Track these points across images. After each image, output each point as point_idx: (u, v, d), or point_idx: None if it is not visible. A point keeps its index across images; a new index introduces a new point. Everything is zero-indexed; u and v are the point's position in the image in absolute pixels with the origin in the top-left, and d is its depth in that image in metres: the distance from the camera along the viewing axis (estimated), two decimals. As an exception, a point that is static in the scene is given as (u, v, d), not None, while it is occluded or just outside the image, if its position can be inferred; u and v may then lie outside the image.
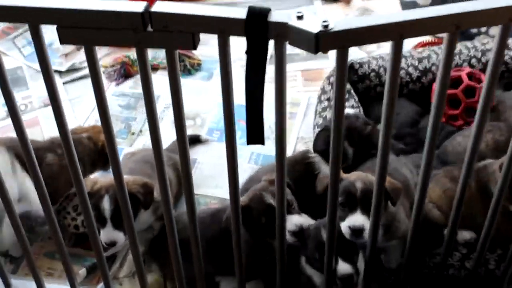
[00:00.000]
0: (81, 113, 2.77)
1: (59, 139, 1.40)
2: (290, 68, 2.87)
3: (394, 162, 1.98)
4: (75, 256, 2.10)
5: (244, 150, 2.50)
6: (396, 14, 1.16)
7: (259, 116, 1.23)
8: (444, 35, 1.22)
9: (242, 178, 1.94)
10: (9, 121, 1.48)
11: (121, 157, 1.69)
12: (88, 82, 1.31)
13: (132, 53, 2.93)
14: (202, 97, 2.84)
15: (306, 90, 2.90)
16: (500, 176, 1.53)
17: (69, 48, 3.12)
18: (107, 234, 1.82)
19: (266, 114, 1.24)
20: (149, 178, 1.92)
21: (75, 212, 2.12)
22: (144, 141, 2.61)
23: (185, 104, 1.32)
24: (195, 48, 1.20)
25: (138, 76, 1.27)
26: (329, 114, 2.33)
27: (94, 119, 2.71)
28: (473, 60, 2.56)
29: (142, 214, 1.90)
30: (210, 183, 2.40)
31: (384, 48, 2.89)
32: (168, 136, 1.92)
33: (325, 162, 2.08)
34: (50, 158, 2.07)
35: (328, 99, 2.41)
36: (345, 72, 1.19)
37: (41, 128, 2.71)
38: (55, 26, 1.20)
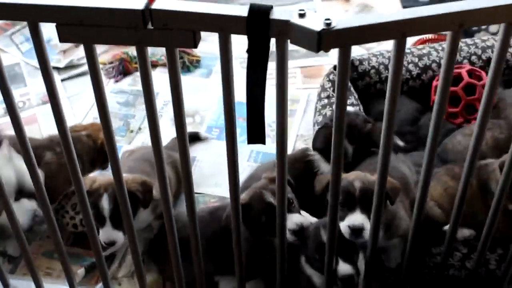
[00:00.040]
0: (79, 110, 2.75)
1: (58, 137, 1.39)
2: (290, 65, 2.80)
3: (393, 160, 1.97)
4: (73, 255, 2.09)
5: (244, 148, 2.48)
6: (399, 12, 1.15)
7: (260, 115, 1.22)
8: (447, 34, 1.21)
9: (242, 177, 1.92)
10: (7, 118, 1.47)
11: (119, 155, 1.68)
12: (86, 79, 1.31)
13: (131, 50, 2.91)
14: (201, 94, 2.83)
15: (305, 87, 2.89)
16: (500, 175, 1.52)
17: (67, 44, 3.09)
18: (106, 233, 1.81)
19: (265, 112, 1.23)
20: (148, 177, 1.91)
21: (73, 211, 2.11)
22: (143, 139, 2.59)
23: (184, 102, 1.31)
24: (195, 46, 1.19)
25: (137, 73, 1.26)
26: (329, 111, 2.32)
27: (92, 117, 2.68)
28: (473, 57, 2.55)
29: (141, 213, 1.89)
30: (210, 182, 2.40)
31: (384, 45, 2.88)
32: (167, 133, 1.91)
33: (325, 160, 2.08)
34: (49, 157, 2.06)
35: (328, 97, 2.40)
36: (347, 71, 1.18)
37: (39, 125, 2.69)
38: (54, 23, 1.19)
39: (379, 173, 1.40)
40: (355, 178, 1.71)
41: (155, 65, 2.93)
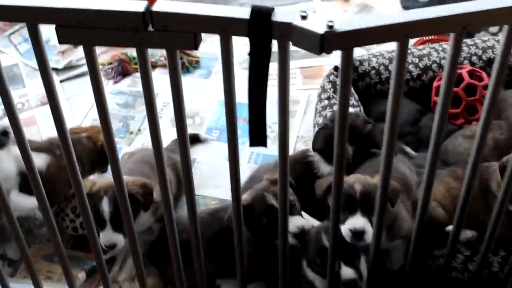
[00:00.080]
0: (78, 111, 2.73)
1: (58, 140, 1.37)
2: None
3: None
4: (74, 259, 2.08)
5: (244, 150, 2.48)
6: (402, 14, 1.14)
7: (261, 118, 1.21)
8: (450, 35, 1.20)
9: (242, 178, 1.91)
10: (5, 120, 1.45)
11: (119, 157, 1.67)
12: (85, 80, 1.29)
13: (130, 51, 2.90)
14: (201, 95, 2.81)
15: (305, 88, 2.89)
16: (501, 176, 1.51)
17: (66, 45, 3.08)
18: (106, 236, 1.80)
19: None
20: (148, 179, 1.90)
21: (73, 214, 2.10)
22: (143, 141, 2.58)
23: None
24: (196, 48, 1.18)
25: (136, 74, 1.25)
26: (329, 112, 2.31)
27: (91, 118, 2.68)
28: (474, 58, 2.55)
29: (141, 216, 1.88)
30: (210, 183, 2.39)
31: (384, 46, 2.87)
32: (167, 135, 1.90)
33: (324, 161, 2.07)
34: (48, 160, 2.05)
35: (328, 98, 2.39)
36: (350, 73, 1.17)
37: (38, 127, 2.68)
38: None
39: (382, 176, 1.39)
40: (355, 181, 1.70)
41: (154, 66, 2.91)
